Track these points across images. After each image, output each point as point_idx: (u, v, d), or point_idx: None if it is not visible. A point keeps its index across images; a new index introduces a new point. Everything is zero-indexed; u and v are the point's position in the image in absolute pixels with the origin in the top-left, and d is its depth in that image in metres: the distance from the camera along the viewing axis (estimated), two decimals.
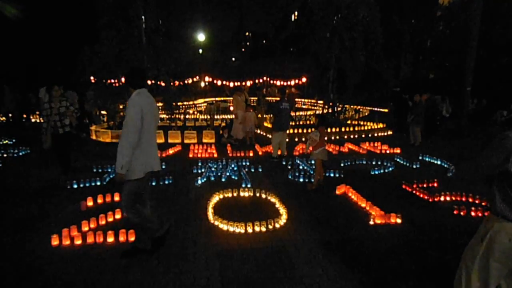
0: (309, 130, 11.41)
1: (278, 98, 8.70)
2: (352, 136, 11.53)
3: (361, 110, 18.52)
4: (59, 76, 12.93)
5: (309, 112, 17.55)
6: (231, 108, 11.21)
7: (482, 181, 2.18)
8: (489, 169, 2.11)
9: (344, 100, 13.83)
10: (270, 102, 16.29)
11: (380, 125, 12.97)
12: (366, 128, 12.46)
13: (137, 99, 3.32)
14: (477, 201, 5.21)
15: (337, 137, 11.21)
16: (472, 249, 2.29)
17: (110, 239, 3.88)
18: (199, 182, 6.09)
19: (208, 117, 14.81)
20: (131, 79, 3.48)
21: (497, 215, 2.13)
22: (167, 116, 12.61)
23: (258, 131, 12.10)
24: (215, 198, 5.19)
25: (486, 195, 5.28)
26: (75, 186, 5.75)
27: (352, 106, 16.48)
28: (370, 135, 11.85)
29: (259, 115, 11.09)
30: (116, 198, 5.19)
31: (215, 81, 23.30)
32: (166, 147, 8.90)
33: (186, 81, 16.67)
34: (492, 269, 2.14)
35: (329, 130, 11.52)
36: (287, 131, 8.51)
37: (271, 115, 10.58)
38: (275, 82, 24.38)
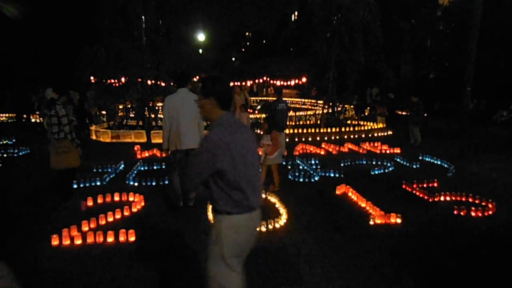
0: (309, 130, 11.50)
1: (274, 98, 8.68)
2: (352, 136, 11.53)
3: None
4: (60, 76, 12.92)
5: (309, 112, 17.55)
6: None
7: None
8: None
9: (344, 99, 13.82)
10: (266, 102, 16.29)
11: (380, 125, 12.98)
12: (366, 128, 12.46)
13: (169, 97, 4.67)
14: (477, 201, 5.21)
15: (337, 137, 11.21)
16: None
17: (110, 239, 3.88)
18: None
19: None
20: (176, 79, 4.98)
21: (221, 213, 2.06)
22: None
23: (258, 131, 12.08)
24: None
25: (485, 195, 5.29)
26: (75, 186, 5.75)
27: (352, 106, 16.48)
28: (370, 135, 11.85)
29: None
30: (116, 198, 5.20)
31: None
32: None
33: None
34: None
35: (329, 130, 11.54)
36: (286, 131, 8.51)
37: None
38: (275, 82, 24.39)
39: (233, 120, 2.16)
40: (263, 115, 14.41)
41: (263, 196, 5.35)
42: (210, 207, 4.73)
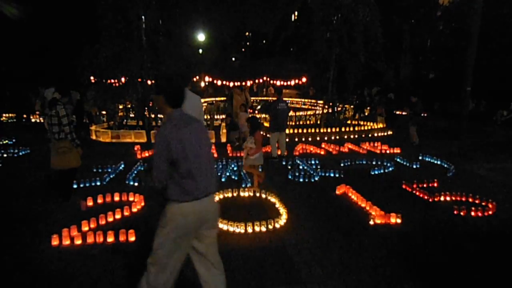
0: (309, 130, 11.50)
1: (275, 98, 8.69)
2: (352, 136, 11.53)
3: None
4: (61, 77, 12.90)
5: (309, 112, 17.54)
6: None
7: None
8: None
9: (344, 99, 13.82)
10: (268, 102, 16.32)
11: (380, 125, 12.98)
12: (366, 128, 12.46)
13: None
14: (477, 201, 5.21)
15: (337, 137, 11.22)
16: None
17: (110, 239, 3.88)
18: None
19: (208, 117, 14.81)
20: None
21: (172, 200, 2.31)
22: None
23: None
24: (215, 198, 5.19)
25: (485, 195, 5.29)
26: (75, 186, 5.75)
27: (351, 106, 16.48)
28: (370, 135, 11.85)
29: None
30: (116, 198, 5.20)
31: (215, 81, 23.29)
32: None
33: None
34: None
35: (329, 130, 11.54)
36: (287, 131, 8.51)
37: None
38: (275, 82, 24.38)
39: (183, 116, 2.36)
40: (261, 115, 14.41)
41: (263, 196, 5.36)
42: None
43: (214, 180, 2.47)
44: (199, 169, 2.30)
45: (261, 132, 5.65)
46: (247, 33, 56.62)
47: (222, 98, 20.19)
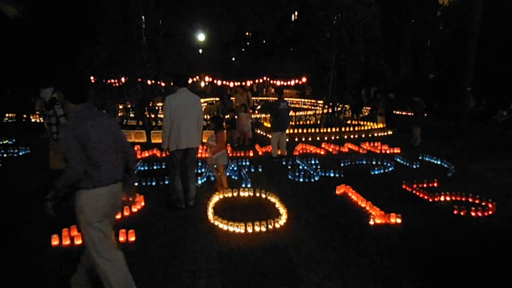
0: (309, 130, 11.50)
1: (275, 98, 8.69)
2: (352, 136, 11.53)
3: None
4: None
5: (309, 112, 17.55)
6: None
7: None
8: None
9: (344, 100, 13.83)
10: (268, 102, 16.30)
11: (380, 125, 12.98)
12: (366, 128, 12.46)
13: (170, 96, 4.63)
14: (477, 201, 5.21)
15: (337, 137, 11.21)
16: None
17: None
18: (199, 182, 6.09)
19: (208, 117, 14.80)
20: (175, 80, 4.89)
21: (82, 188, 2.47)
22: None
23: (258, 131, 12.10)
24: (215, 198, 5.19)
25: (485, 195, 5.29)
26: None
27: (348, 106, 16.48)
28: (370, 135, 11.85)
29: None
30: None
31: (215, 81, 23.31)
32: None
33: None
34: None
35: (329, 130, 11.54)
36: (287, 131, 8.51)
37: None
38: (275, 82, 24.41)
39: (86, 110, 2.49)
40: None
41: (263, 196, 5.36)
42: (210, 207, 4.74)
43: (120, 168, 2.66)
44: (105, 158, 2.48)
45: (225, 133, 5.67)
46: (247, 33, 56.58)
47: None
